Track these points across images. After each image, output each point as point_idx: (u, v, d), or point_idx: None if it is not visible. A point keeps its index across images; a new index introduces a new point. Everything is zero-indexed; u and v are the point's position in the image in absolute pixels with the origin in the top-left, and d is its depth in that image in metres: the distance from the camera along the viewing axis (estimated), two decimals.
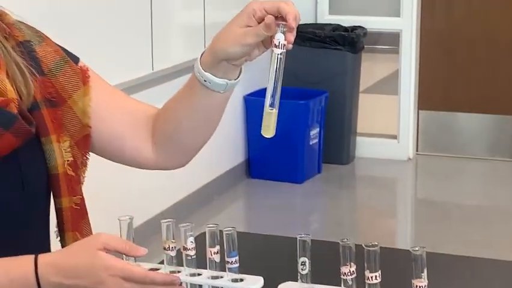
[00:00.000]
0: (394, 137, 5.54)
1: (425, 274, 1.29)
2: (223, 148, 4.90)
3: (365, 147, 5.50)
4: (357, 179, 5.44)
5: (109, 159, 1.57)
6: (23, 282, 1.26)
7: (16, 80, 1.38)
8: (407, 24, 5.35)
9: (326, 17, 5.48)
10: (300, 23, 4.79)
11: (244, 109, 5.08)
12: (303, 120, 5.02)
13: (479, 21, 5.36)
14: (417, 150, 5.59)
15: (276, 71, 1.31)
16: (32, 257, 1.27)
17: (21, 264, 1.27)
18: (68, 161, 1.43)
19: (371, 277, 1.32)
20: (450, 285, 1.50)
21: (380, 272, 1.32)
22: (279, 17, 1.31)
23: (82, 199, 1.47)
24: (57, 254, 1.29)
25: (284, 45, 1.30)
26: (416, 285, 1.30)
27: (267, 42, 1.35)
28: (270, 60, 1.31)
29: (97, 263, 1.24)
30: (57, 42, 1.51)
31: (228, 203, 4.83)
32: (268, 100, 1.32)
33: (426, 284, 1.29)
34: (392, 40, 5.63)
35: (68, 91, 1.46)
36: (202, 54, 1.41)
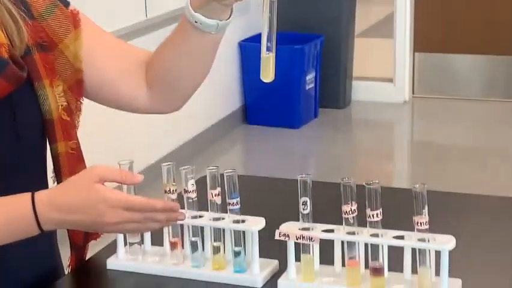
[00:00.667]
0: (390, 80, 5.53)
1: (425, 211, 1.30)
2: (219, 95, 4.89)
3: (361, 90, 5.49)
4: (353, 123, 5.44)
5: (103, 104, 1.56)
6: (21, 221, 1.27)
7: (7, 27, 1.37)
8: None
9: None
10: None
11: (239, 55, 5.06)
12: (299, 65, 5.00)
13: None
14: (413, 93, 5.58)
15: (270, 15, 1.30)
16: (29, 195, 1.28)
17: (18, 203, 1.28)
18: (62, 105, 1.42)
19: (373, 215, 1.32)
20: (449, 222, 1.51)
21: (381, 209, 1.32)
22: None
23: (78, 144, 1.47)
24: (54, 191, 1.30)
25: None
26: (417, 222, 1.30)
27: None
28: (263, 5, 1.30)
29: (95, 196, 1.25)
30: None
31: (225, 148, 4.83)
32: (264, 45, 1.31)
33: (427, 220, 1.30)
34: None
35: (59, 35, 1.44)
36: None
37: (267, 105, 5.06)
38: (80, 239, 1.49)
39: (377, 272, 1.33)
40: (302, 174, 1.36)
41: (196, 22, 1.39)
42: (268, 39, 1.30)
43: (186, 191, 1.41)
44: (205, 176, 1.40)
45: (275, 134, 4.99)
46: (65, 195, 1.28)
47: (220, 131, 4.88)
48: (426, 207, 1.30)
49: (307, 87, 5.11)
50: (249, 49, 4.98)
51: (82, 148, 1.48)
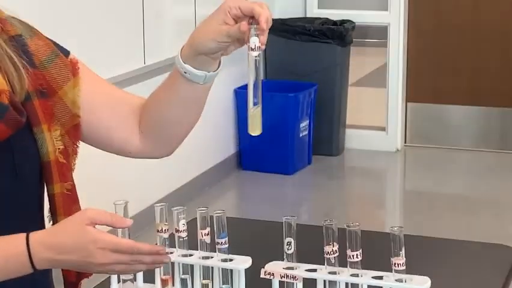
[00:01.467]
0: (383, 128, 5.63)
1: (402, 252, 1.38)
2: (214, 140, 4.98)
3: (354, 139, 5.59)
4: (346, 170, 5.52)
5: (98, 147, 1.64)
6: (16, 259, 1.34)
7: (9, 73, 1.44)
8: (394, 17, 5.44)
9: (315, 11, 5.56)
10: (290, 16, 4.93)
11: (235, 102, 5.16)
12: (293, 113, 5.10)
13: (466, 14, 5.44)
14: (405, 142, 5.67)
15: (255, 72, 1.38)
16: (24, 235, 1.35)
17: (13, 242, 1.35)
18: (59, 149, 1.49)
19: (353, 255, 1.40)
20: (426, 264, 1.58)
21: (361, 250, 1.40)
22: (253, 18, 1.39)
23: (73, 185, 1.54)
24: (48, 232, 1.37)
25: (259, 47, 1.38)
26: (395, 263, 1.38)
27: (241, 40, 1.42)
28: (248, 62, 1.38)
29: (85, 237, 1.32)
30: (48, 37, 1.58)
31: (219, 194, 4.90)
32: (251, 101, 1.39)
33: (403, 262, 1.38)
34: (381, 34, 5.71)
35: (59, 83, 1.52)
36: (182, 48, 1.48)
37: (262, 151, 5.15)
38: (73, 276, 1.56)
39: None
40: (287, 216, 1.44)
41: (185, 73, 1.48)
42: (254, 95, 1.39)
43: (177, 231, 1.49)
44: (197, 217, 1.48)
45: (269, 180, 5.07)
46: (57, 236, 1.35)
47: (214, 176, 4.96)
48: (403, 249, 1.38)
49: (301, 135, 5.20)
50: (244, 96, 5.04)
51: (78, 190, 1.56)
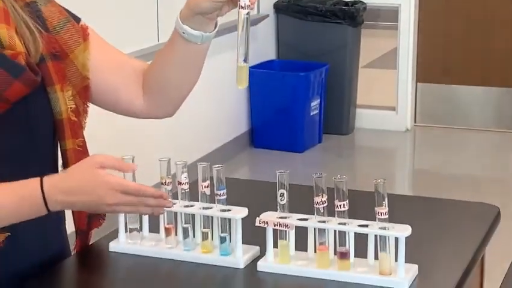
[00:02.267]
0: (393, 108, 5.72)
1: (385, 202, 1.49)
2: (227, 118, 5.09)
3: (365, 118, 5.69)
4: (356, 149, 5.63)
5: (105, 108, 1.76)
6: (33, 201, 1.46)
7: (25, 37, 1.56)
8: None
9: None
10: None
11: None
12: (304, 92, 5.20)
13: None
14: (415, 122, 5.77)
15: (245, 30, 1.49)
16: (38, 179, 1.47)
17: (29, 185, 1.47)
18: (71, 107, 1.61)
19: (340, 205, 1.52)
20: (410, 218, 1.68)
21: (347, 201, 1.52)
22: None
23: (84, 142, 1.66)
24: (60, 175, 1.50)
25: (249, 6, 1.49)
26: (379, 212, 1.50)
27: (235, 1, 1.52)
28: (238, 20, 1.49)
29: (97, 180, 1.45)
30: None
31: (231, 170, 5.01)
32: (241, 56, 1.49)
33: (386, 211, 1.49)
34: (393, 16, 5.80)
35: (70, 46, 1.64)
36: (182, 10, 1.60)
37: (273, 130, 5.27)
38: (84, 225, 1.68)
39: (344, 256, 1.53)
40: (280, 170, 1.56)
41: (183, 33, 1.60)
42: (245, 51, 1.49)
43: (180, 183, 1.61)
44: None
45: (279, 158, 5.18)
46: (69, 179, 1.47)
47: (226, 153, 5.07)
48: (386, 200, 1.49)
49: (311, 113, 5.31)
50: (257, 75, 5.18)
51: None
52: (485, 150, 5.45)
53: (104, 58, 1.69)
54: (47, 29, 1.62)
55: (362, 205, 1.64)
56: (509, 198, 4.57)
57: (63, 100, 1.61)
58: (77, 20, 1.69)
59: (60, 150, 1.64)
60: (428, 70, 5.70)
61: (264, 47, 5.45)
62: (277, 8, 5.49)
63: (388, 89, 5.87)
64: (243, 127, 5.31)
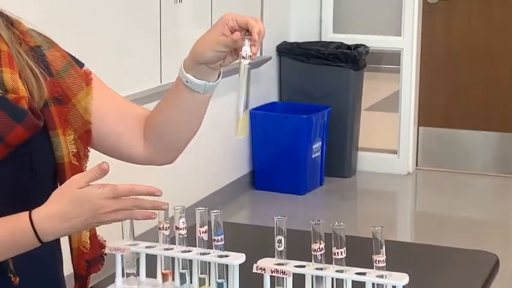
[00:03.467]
0: (394, 152, 5.73)
1: (383, 250, 1.49)
2: (229, 159, 5.10)
3: (366, 161, 5.70)
4: (358, 192, 5.62)
5: (105, 154, 1.77)
6: (24, 234, 1.46)
7: (29, 82, 1.58)
8: (407, 43, 5.56)
9: (329, 35, 5.70)
10: (305, 40, 5.08)
11: (250, 123, 5.27)
12: (306, 134, 5.21)
13: (479, 40, 5.55)
14: (416, 165, 5.77)
15: (246, 79, 1.50)
16: (26, 212, 1.47)
17: (18, 219, 1.47)
18: (72, 152, 1.62)
19: (338, 253, 1.51)
20: (408, 266, 1.68)
21: (345, 248, 1.52)
22: (247, 30, 1.52)
23: None
24: (48, 206, 1.48)
25: (250, 56, 1.50)
26: (376, 260, 1.50)
27: (238, 51, 1.54)
28: (239, 70, 1.50)
29: (88, 195, 1.44)
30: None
31: (232, 212, 5.01)
32: (241, 106, 1.51)
33: (384, 259, 1.49)
34: (396, 60, 5.84)
35: (73, 91, 1.66)
36: (185, 59, 1.62)
37: (275, 172, 5.27)
38: (83, 270, 1.68)
39: None
40: (278, 216, 1.56)
41: (187, 82, 1.61)
42: (245, 101, 1.50)
43: (177, 228, 1.62)
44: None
45: (281, 200, 5.18)
46: (58, 207, 1.46)
47: (228, 194, 5.07)
48: (383, 247, 1.49)
49: (313, 156, 5.31)
50: (259, 117, 5.20)
51: None
52: (486, 194, 5.45)
53: (106, 104, 1.71)
54: (50, 73, 1.64)
55: (360, 251, 1.63)
56: (510, 243, 4.56)
57: (65, 144, 1.62)
58: (81, 64, 1.70)
59: None
60: (430, 114, 5.72)
61: (267, 89, 5.48)
62: (280, 50, 5.52)
63: (390, 132, 5.88)
64: (244, 169, 5.32)
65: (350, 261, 1.54)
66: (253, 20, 1.53)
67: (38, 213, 1.47)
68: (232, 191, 5.13)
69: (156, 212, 1.51)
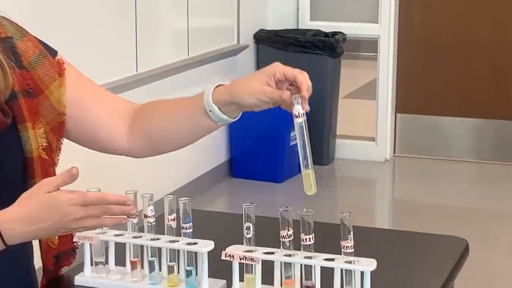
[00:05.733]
0: (372, 139, 5.74)
1: (351, 236, 1.49)
2: (206, 148, 5.09)
3: (344, 149, 5.70)
4: (336, 180, 5.63)
5: (84, 145, 1.75)
6: None
7: None
8: (384, 30, 5.56)
9: (307, 23, 5.69)
10: (283, 28, 5.09)
11: None
12: (284, 122, 5.20)
13: (456, 26, 5.55)
14: (394, 152, 5.78)
15: (302, 137, 1.52)
16: None
17: None
18: (42, 145, 1.60)
19: (306, 239, 1.51)
20: (374, 253, 1.68)
21: (313, 235, 1.51)
22: (292, 84, 1.53)
23: None
24: (16, 208, 1.44)
25: (303, 114, 1.52)
26: (344, 246, 1.49)
27: (276, 102, 1.55)
28: (295, 129, 1.52)
29: (55, 201, 1.41)
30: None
31: (210, 201, 5.01)
32: (302, 163, 1.52)
33: (352, 245, 1.49)
34: (373, 47, 5.84)
35: (45, 82, 1.63)
36: (216, 86, 1.59)
37: (252, 160, 5.26)
38: (50, 265, 1.66)
39: None
40: (246, 203, 1.56)
41: (210, 111, 1.59)
42: (304, 157, 1.51)
43: (146, 216, 1.61)
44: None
45: (259, 188, 5.17)
46: (25, 209, 1.43)
47: (205, 183, 5.07)
48: (351, 233, 1.49)
49: (291, 144, 5.31)
50: None
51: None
52: (464, 181, 5.47)
53: (86, 95, 1.68)
54: (21, 65, 1.61)
55: (330, 238, 1.63)
56: (488, 228, 4.59)
57: (34, 138, 1.60)
58: (54, 53, 1.68)
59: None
60: (408, 101, 5.73)
61: None
62: (257, 38, 5.51)
63: (368, 119, 5.89)
64: (222, 157, 5.31)
65: (319, 247, 1.54)
66: (301, 75, 1.53)
67: (4, 214, 1.44)
68: (210, 179, 5.12)
69: (126, 216, 1.48)
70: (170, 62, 4.48)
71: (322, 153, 5.56)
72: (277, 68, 1.55)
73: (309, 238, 1.51)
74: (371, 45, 6.25)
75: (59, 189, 1.43)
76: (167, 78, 4.45)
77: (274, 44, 5.44)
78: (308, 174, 1.51)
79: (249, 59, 5.50)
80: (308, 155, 1.51)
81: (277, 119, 5.16)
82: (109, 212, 1.44)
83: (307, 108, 1.53)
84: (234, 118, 1.61)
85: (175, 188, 4.73)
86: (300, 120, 1.52)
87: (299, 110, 1.51)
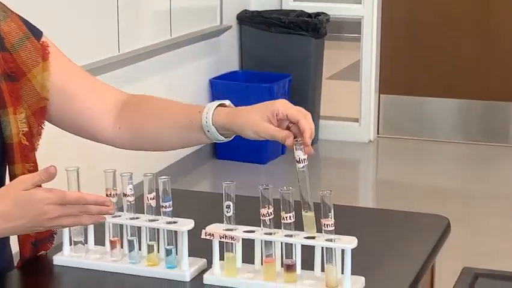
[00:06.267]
0: (356, 120, 5.74)
1: (332, 214, 1.48)
2: None
3: (328, 130, 5.69)
4: (320, 161, 5.62)
5: (69, 132, 1.72)
6: None
7: None
8: (368, 11, 5.55)
9: (290, 3, 5.67)
10: (266, 9, 5.06)
11: (210, 92, 5.25)
12: None
13: (440, 6, 5.54)
14: (378, 133, 5.78)
15: (304, 181, 1.52)
16: None
17: None
18: (23, 131, 1.57)
19: (286, 217, 1.50)
20: (355, 230, 1.66)
21: (294, 213, 1.50)
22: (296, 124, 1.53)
23: (35, 166, 1.61)
24: None
25: (304, 159, 1.51)
26: (325, 224, 1.48)
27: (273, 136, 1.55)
28: (297, 174, 1.52)
29: (33, 198, 1.39)
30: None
31: (194, 182, 5.00)
32: (303, 206, 1.52)
33: (332, 223, 1.48)
34: (357, 28, 5.82)
35: (28, 65, 1.60)
36: (217, 106, 1.59)
37: (236, 141, 5.21)
38: (27, 252, 1.64)
39: (290, 268, 1.51)
40: (227, 181, 1.54)
41: (208, 131, 1.59)
42: (306, 201, 1.51)
43: (125, 195, 1.59)
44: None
45: (243, 169, 5.16)
46: (3, 204, 1.40)
47: (189, 165, 5.05)
48: (332, 211, 1.48)
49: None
50: (220, 86, 5.17)
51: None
52: (448, 161, 5.48)
53: (70, 81, 1.65)
54: (3, 47, 1.58)
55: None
56: (471, 208, 4.60)
57: (15, 123, 1.57)
58: (38, 34, 1.64)
59: (9, 175, 1.60)
60: (391, 82, 5.72)
61: (227, 58, 5.44)
62: (240, 19, 5.48)
63: (351, 100, 5.89)
64: None
65: (301, 226, 1.53)
66: (304, 119, 1.53)
67: None
68: (194, 161, 5.11)
69: (104, 216, 1.46)
70: (152, 43, 4.46)
71: None
72: (282, 108, 1.55)
73: (290, 216, 1.50)
74: (354, 26, 6.23)
75: (35, 187, 1.40)
76: (149, 59, 4.43)
77: (258, 25, 5.42)
78: (309, 216, 1.51)
79: (232, 40, 5.48)
80: (309, 199, 1.52)
81: (260, 99, 5.12)
82: (87, 211, 1.42)
83: (309, 151, 1.53)
84: (229, 138, 1.63)
85: (159, 169, 4.70)
86: (301, 165, 1.52)
87: (300, 155, 1.52)
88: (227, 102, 1.62)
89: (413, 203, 4.65)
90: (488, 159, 5.42)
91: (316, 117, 5.61)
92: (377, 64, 5.65)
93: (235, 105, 1.62)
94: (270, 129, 1.54)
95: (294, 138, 1.54)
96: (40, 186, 1.42)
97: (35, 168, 1.61)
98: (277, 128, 1.54)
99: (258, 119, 1.55)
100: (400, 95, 5.75)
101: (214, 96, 5.23)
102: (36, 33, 1.64)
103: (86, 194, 1.42)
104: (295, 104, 1.57)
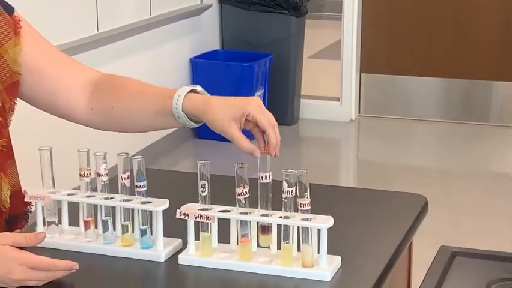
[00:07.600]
0: (337, 99, 5.72)
1: (308, 193, 1.46)
2: None
3: (309, 109, 5.68)
4: (300, 140, 5.62)
5: (42, 109, 1.70)
6: None
7: None
8: None
9: None
10: None
11: (191, 71, 5.22)
12: (248, 82, 5.17)
13: None
14: (359, 112, 5.78)
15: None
16: None
17: None
18: None
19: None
20: (331, 209, 1.65)
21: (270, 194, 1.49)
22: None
23: (9, 141, 1.60)
24: None
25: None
26: (301, 203, 1.47)
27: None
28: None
29: (5, 255, 1.38)
30: None
31: (174, 162, 4.98)
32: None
33: (308, 202, 1.46)
34: (338, 7, 5.80)
35: (0, 40, 1.59)
36: (187, 94, 1.57)
37: None
38: (1, 229, 1.62)
39: (265, 230, 1.51)
40: (201, 161, 1.53)
41: (178, 117, 1.58)
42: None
43: (99, 175, 1.57)
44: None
45: (223, 149, 5.13)
46: None
47: (170, 144, 5.03)
48: (308, 191, 1.46)
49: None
50: (200, 65, 5.14)
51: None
52: (429, 140, 5.48)
53: (40, 58, 1.63)
54: None
55: None
56: (451, 187, 4.60)
57: None
58: (10, 10, 1.62)
59: None
60: (372, 61, 5.71)
61: (208, 37, 5.41)
62: None
63: (333, 79, 5.87)
64: None
65: (278, 206, 1.51)
66: (272, 130, 1.54)
67: None
68: (174, 140, 5.08)
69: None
70: (132, 22, 4.41)
71: (286, 114, 5.53)
72: (253, 112, 1.54)
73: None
74: (335, 5, 6.21)
75: (11, 245, 1.39)
76: (129, 38, 4.39)
77: (238, 4, 5.38)
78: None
79: (212, 19, 5.44)
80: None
81: (241, 79, 5.12)
82: (54, 277, 1.41)
83: (275, 156, 1.55)
84: (198, 124, 1.61)
85: (139, 149, 4.68)
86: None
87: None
88: (198, 87, 1.60)
89: (394, 182, 4.65)
90: (468, 137, 5.42)
91: (297, 97, 5.60)
92: (358, 43, 5.64)
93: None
94: (239, 139, 1.56)
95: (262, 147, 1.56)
96: (22, 248, 1.41)
97: (8, 143, 1.59)
98: (246, 139, 1.56)
99: (227, 120, 1.55)
100: (381, 74, 5.74)
101: (195, 76, 5.20)
102: (8, 9, 1.62)
103: (57, 261, 1.40)
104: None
